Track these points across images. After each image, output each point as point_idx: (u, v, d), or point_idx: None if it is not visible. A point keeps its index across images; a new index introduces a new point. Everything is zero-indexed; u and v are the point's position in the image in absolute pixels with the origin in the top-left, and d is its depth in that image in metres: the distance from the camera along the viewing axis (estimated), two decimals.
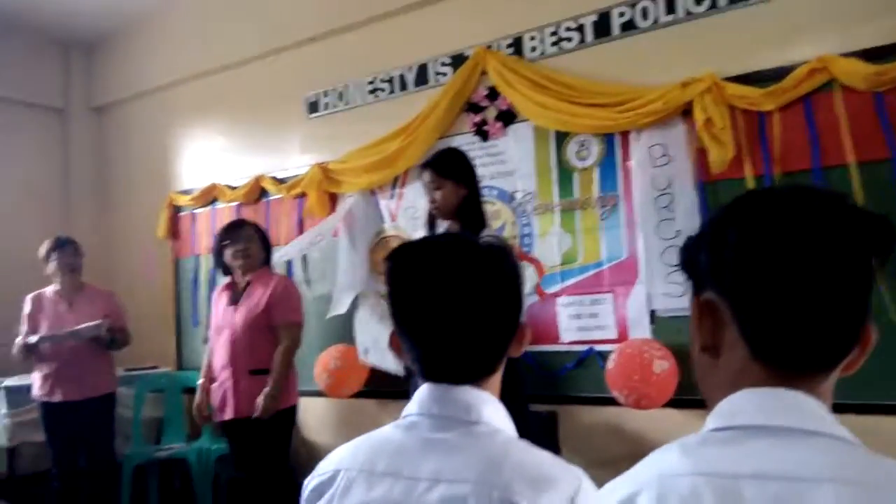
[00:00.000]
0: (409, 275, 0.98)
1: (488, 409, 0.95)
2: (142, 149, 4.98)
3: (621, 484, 0.68)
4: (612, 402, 2.93)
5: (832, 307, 0.66)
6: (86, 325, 3.52)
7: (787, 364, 0.68)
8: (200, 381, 3.35)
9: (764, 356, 0.68)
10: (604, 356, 3.03)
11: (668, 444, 0.70)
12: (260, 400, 3.05)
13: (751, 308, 0.68)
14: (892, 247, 0.67)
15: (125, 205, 5.08)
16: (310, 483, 0.98)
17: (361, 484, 0.91)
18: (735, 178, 2.80)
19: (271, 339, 3.18)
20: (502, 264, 0.99)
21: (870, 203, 2.50)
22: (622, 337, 3.05)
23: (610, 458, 3.05)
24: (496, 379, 1.00)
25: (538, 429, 3.11)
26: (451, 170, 2.61)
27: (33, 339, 3.49)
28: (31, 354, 3.56)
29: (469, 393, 0.95)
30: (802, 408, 0.66)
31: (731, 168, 2.78)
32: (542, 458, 0.89)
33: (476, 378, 0.97)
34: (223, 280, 3.41)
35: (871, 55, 2.54)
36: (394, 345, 1.01)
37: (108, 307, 3.66)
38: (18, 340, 3.53)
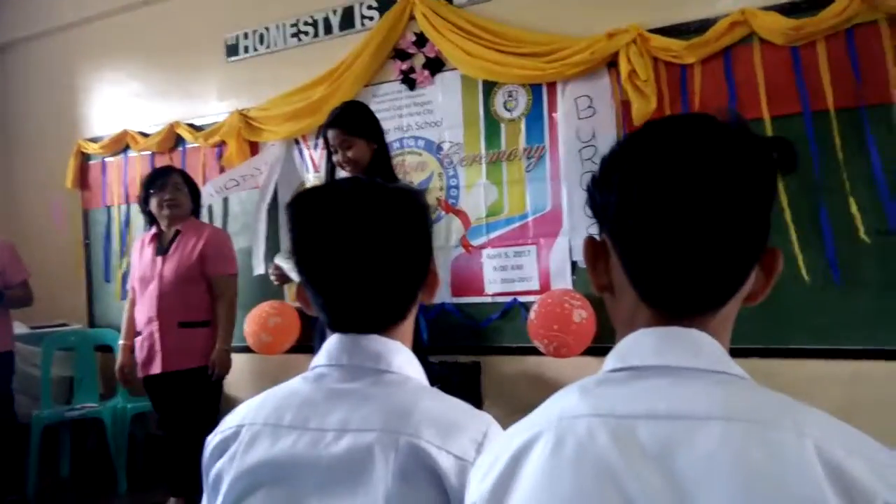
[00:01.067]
0: (311, 219, 0.92)
1: (399, 357, 0.92)
2: (47, 91, 4.65)
3: (523, 427, 0.68)
4: (533, 351, 2.98)
5: (715, 244, 0.63)
6: None
7: (672, 307, 0.67)
8: (121, 342, 3.21)
9: (649, 299, 0.67)
10: (527, 307, 3.06)
11: (569, 386, 0.69)
12: (213, 358, 3.01)
13: (630, 250, 0.67)
14: (790, 161, 0.65)
15: (30, 151, 4.75)
16: (213, 440, 0.94)
17: (266, 438, 0.87)
18: None
19: (203, 290, 3.09)
20: (410, 206, 0.94)
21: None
22: (545, 288, 3.08)
23: (531, 406, 3.04)
24: (407, 326, 0.97)
25: (460, 379, 3.14)
26: (360, 127, 2.53)
27: None
28: None
29: (378, 342, 0.91)
30: (695, 346, 0.65)
31: (652, 120, 2.80)
32: (451, 404, 0.88)
33: (385, 326, 0.93)
34: (149, 230, 3.25)
35: (789, 9, 2.59)
36: (300, 297, 0.97)
37: (1, 262, 3.41)
38: None
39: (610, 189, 0.67)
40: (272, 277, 3.03)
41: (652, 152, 0.65)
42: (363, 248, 0.89)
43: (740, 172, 0.63)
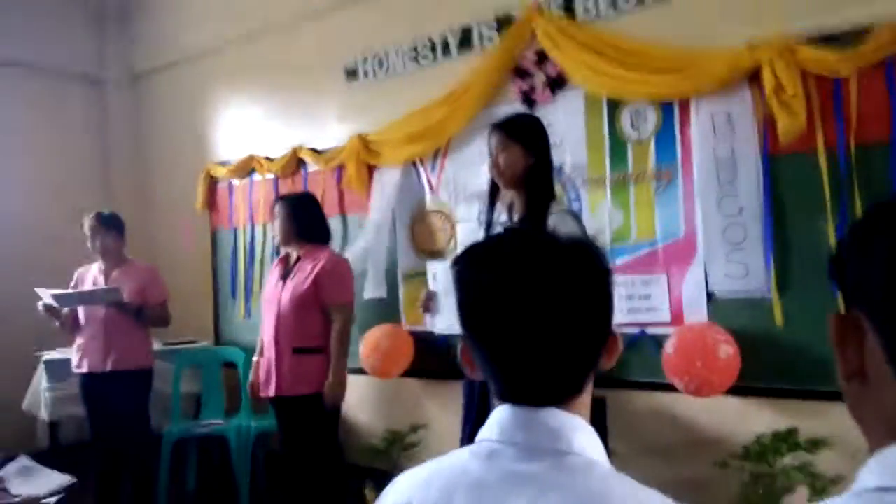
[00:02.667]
0: (482, 280, 0.83)
1: (580, 436, 0.80)
2: (179, 118, 4.91)
3: None
4: (663, 387, 2.78)
5: None
6: (96, 287, 3.48)
7: None
8: (255, 359, 3.28)
9: None
10: (656, 339, 2.86)
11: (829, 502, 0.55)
12: (326, 390, 3.01)
13: None
14: None
15: (163, 176, 5.03)
16: None
17: None
18: (804, 150, 2.58)
19: (319, 318, 3.10)
20: (591, 265, 0.83)
21: None
22: (677, 320, 2.87)
23: (661, 447, 2.91)
24: (586, 398, 0.85)
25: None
26: (520, 133, 2.40)
27: (46, 298, 3.39)
28: (69, 327, 3.54)
29: (558, 417, 0.80)
30: None
31: (800, 139, 2.56)
32: (646, 496, 0.76)
33: (564, 398, 0.82)
34: (281, 254, 3.36)
35: None
36: (464, 359, 0.87)
37: (143, 281, 3.60)
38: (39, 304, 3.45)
39: (871, 260, 0.56)
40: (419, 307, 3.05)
41: None
42: (544, 313, 0.79)
43: None
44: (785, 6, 2.63)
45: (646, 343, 2.94)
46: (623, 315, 3.01)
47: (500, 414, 0.83)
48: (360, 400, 3.82)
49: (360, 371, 3.60)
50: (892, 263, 0.54)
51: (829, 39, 2.52)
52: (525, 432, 0.80)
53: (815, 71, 2.53)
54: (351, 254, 3.69)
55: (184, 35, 4.79)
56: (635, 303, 3.00)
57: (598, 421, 2.98)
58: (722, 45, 2.70)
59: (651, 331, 2.94)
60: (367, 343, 3.55)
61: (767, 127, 2.65)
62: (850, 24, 2.49)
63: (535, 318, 0.79)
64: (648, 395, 2.95)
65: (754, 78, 2.65)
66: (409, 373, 3.59)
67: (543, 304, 0.79)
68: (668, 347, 2.69)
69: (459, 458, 0.83)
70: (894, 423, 0.55)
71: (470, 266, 0.85)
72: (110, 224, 3.62)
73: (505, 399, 0.83)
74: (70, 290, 3.54)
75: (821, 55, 2.49)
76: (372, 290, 3.75)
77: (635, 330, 2.98)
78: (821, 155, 2.55)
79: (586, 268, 0.82)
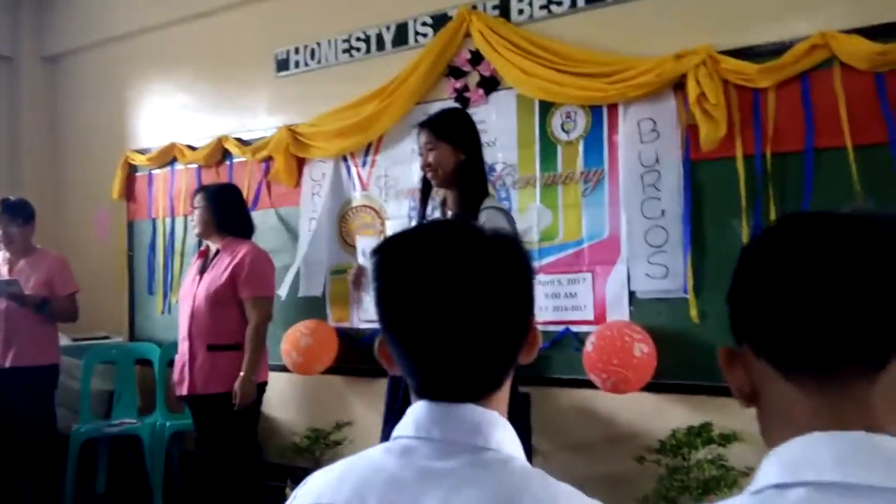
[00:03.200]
0: (401, 272, 0.80)
1: (498, 432, 0.79)
2: (97, 103, 4.67)
3: None
4: (585, 384, 2.85)
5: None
6: None
7: (822, 361, 0.58)
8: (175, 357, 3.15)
9: (793, 358, 0.61)
10: (580, 337, 2.93)
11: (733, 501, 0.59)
12: (236, 387, 2.88)
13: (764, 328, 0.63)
14: None
15: (77, 161, 4.78)
16: None
17: None
18: (724, 157, 2.70)
19: (235, 313, 2.98)
20: (513, 259, 0.82)
21: (867, 188, 2.41)
22: (600, 318, 2.94)
23: (582, 443, 2.97)
24: (504, 394, 0.83)
25: (508, 411, 3.00)
26: (448, 131, 2.37)
27: None
28: None
29: (476, 413, 0.79)
30: (885, 456, 0.54)
31: (720, 146, 2.67)
32: (563, 492, 0.75)
33: (482, 393, 0.81)
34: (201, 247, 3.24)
35: (874, 33, 2.43)
36: (381, 353, 0.85)
37: (50, 273, 3.40)
38: None
39: (746, 299, 0.66)
40: (350, 280, 3.00)
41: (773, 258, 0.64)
42: (464, 306, 0.77)
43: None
44: (711, 20, 2.75)
45: (570, 341, 3.00)
46: (549, 313, 3.07)
47: (417, 410, 0.81)
48: (282, 397, 3.73)
49: (284, 368, 3.52)
50: (763, 302, 0.62)
51: (751, 53, 2.64)
52: (441, 428, 0.78)
53: (736, 81, 2.65)
54: (274, 247, 3.61)
55: (105, 15, 4.56)
56: (561, 301, 3.06)
57: (522, 417, 3.03)
58: (650, 53, 2.79)
59: (575, 329, 3.00)
60: (288, 339, 3.47)
61: (690, 134, 2.76)
62: (770, 40, 2.62)
63: (454, 310, 0.77)
64: (571, 391, 3.01)
65: (679, 86, 2.75)
66: (334, 370, 3.54)
67: (463, 296, 0.77)
68: (588, 345, 2.76)
69: (374, 456, 0.81)
70: (788, 421, 0.60)
71: (390, 255, 0.82)
72: (17, 211, 3.41)
73: (422, 395, 0.81)
74: None
75: (742, 67, 2.62)
76: (307, 287, 3.68)
77: (560, 328, 3.04)
78: (738, 162, 2.67)
79: (508, 261, 0.81)
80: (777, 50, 2.59)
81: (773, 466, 0.58)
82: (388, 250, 0.83)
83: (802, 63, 2.53)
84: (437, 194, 2.45)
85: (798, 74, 2.56)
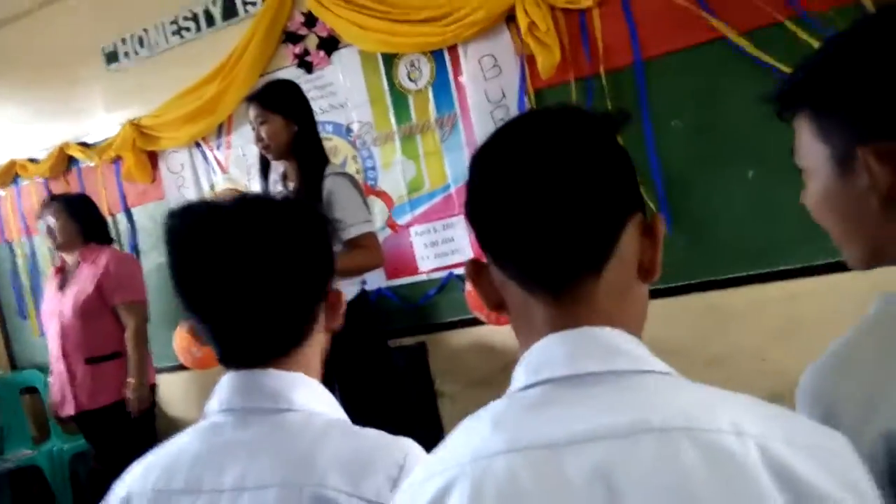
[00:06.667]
0: (188, 240, 0.82)
1: (300, 391, 0.81)
2: None
3: (434, 469, 0.59)
4: (477, 322, 2.93)
5: (570, 204, 0.60)
6: None
7: (548, 273, 0.61)
8: (49, 379, 3.01)
9: (523, 271, 0.63)
10: (464, 279, 3.00)
11: (479, 413, 0.62)
12: (129, 395, 2.81)
13: (493, 234, 0.65)
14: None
15: None
16: None
17: None
18: (564, 81, 2.78)
19: (109, 322, 2.89)
20: (300, 221, 0.84)
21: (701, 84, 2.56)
22: (479, 257, 3.01)
23: (483, 377, 3.07)
24: (310, 353, 0.86)
25: (407, 362, 3.07)
26: (277, 102, 2.33)
27: None
28: None
29: (275, 377, 0.81)
30: (608, 345, 0.59)
31: (559, 72, 2.75)
32: (361, 439, 0.78)
33: (281, 354, 0.83)
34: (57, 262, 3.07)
35: None
36: (190, 330, 0.86)
37: None
38: None
39: (473, 205, 0.66)
40: None
41: (495, 156, 0.64)
42: (248, 269, 0.79)
43: (584, 150, 0.61)
44: None
45: (455, 284, 3.08)
46: (431, 261, 3.13)
47: (221, 382, 0.83)
48: (179, 396, 3.65)
49: (178, 367, 3.43)
50: (484, 217, 0.64)
51: None
52: (243, 397, 0.80)
53: (561, 6, 2.71)
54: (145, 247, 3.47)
55: None
56: (440, 248, 3.12)
57: (421, 365, 3.11)
58: None
59: (458, 272, 3.07)
60: (182, 336, 3.38)
61: (529, 63, 2.82)
62: None
63: (237, 273, 0.79)
64: (466, 331, 3.09)
65: (512, 19, 2.80)
66: None
67: (247, 261, 0.79)
68: (467, 284, 2.83)
69: (182, 439, 0.83)
70: (528, 326, 0.64)
71: (176, 226, 0.84)
72: None
73: (226, 363, 0.83)
74: None
75: None
76: None
77: (444, 273, 3.11)
78: (573, 86, 2.76)
79: (294, 223, 0.83)
80: None
81: (520, 371, 0.62)
82: (176, 222, 0.84)
83: None
84: (278, 168, 2.42)
85: None
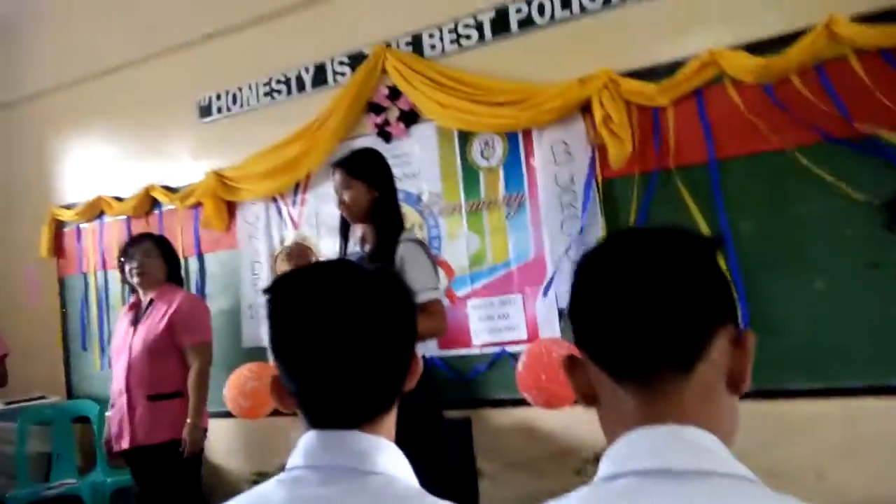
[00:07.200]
0: (289, 307, 0.86)
1: (384, 456, 0.84)
2: (19, 161, 4.60)
3: None
4: (524, 402, 2.89)
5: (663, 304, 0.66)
6: None
7: (637, 366, 0.66)
8: (108, 413, 3.10)
9: (614, 362, 0.68)
10: (516, 357, 2.98)
11: (567, 497, 0.67)
12: (185, 435, 2.88)
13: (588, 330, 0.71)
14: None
15: (2, 221, 4.67)
16: None
17: None
18: (633, 173, 2.82)
19: (175, 361, 2.98)
20: (391, 291, 0.89)
21: (767, 190, 2.57)
22: (533, 337, 3.02)
23: (527, 461, 3.01)
24: (391, 419, 0.90)
25: (453, 436, 3.04)
26: (361, 170, 2.44)
27: None
28: None
29: (361, 439, 0.84)
30: (696, 443, 0.63)
31: (630, 164, 2.80)
32: None
33: (367, 420, 0.86)
34: (130, 299, 3.21)
35: (757, 48, 2.60)
36: (275, 389, 0.89)
37: None
38: None
39: (576, 308, 0.73)
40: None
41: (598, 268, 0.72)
42: (345, 337, 0.83)
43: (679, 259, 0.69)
44: (609, 44, 2.89)
45: (506, 361, 3.07)
46: (484, 335, 3.14)
47: (307, 440, 0.85)
48: (226, 443, 3.69)
49: (226, 414, 3.49)
50: (588, 316, 0.71)
51: (648, 74, 2.79)
52: (329, 455, 0.83)
53: (637, 101, 2.79)
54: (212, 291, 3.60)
55: (23, 74, 4.53)
56: (495, 323, 3.13)
57: (465, 441, 3.08)
58: (556, 79, 2.92)
59: (511, 349, 3.07)
60: (233, 384, 3.45)
61: (600, 153, 2.88)
62: (665, 60, 2.77)
63: (334, 341, 0.83)
64: (512, 411, 3.06)
65: (587, 109, 2.88)
66: (279, 411, 3.52)
67: (342, 328, 0.83)
68: (519, 364, 2.83)
69: (265, 488, 0.85)
70: (619, 420, 0.68)
71: (279, 292, 0.89)
72: None
73: (313, 424, 0.86)
74: None
75: (640, 87, 2.76)
76: (248, 331, 3.69)
77: (496, 349, 3.11)
78: (644, 178, 2.80)
79: (386, 295, 0.88)
80: (672, 69, 2.74)
81: (606, 462, 0.65)
82: (278, 289, 0.89)
83: (695, 80, 2.68)
84: (357, 231, 2.51)
85: (693, 90, 2.71)
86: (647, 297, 0.66)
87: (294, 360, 0.86)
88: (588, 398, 0.73)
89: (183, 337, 2.97)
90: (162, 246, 3.14)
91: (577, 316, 0.72)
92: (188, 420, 2.90)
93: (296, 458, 0.85)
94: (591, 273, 0.72)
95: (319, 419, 0.86)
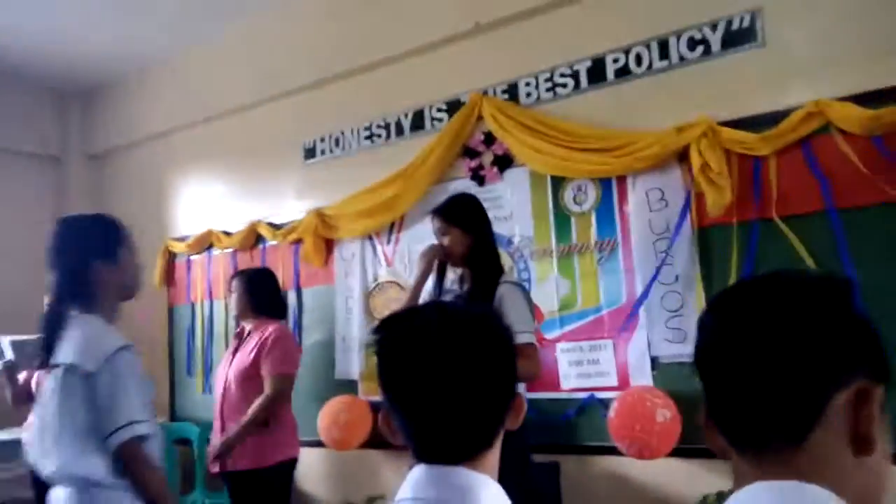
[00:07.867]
0: (399, 347, 0.93)
1: (486, 492, 0.89)
2: (138, 196, 4.98)
3: None
4: (614, 451, 2.86)
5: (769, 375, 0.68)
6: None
7: (747, 437, 0.70)
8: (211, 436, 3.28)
9: (729, 431, 0.72)
10: (605, 403, 2.96)
11: None
12: (212, 448, 3.03)
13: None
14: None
15: None
16: None
17: None
18: (731, 222, 2.77)
19: (262, 390, 3.09)
20: (492, 332, 0.95)
21: (888, 240, 2.48)
22: (623, 384, 2.99)
23: None
24: (494, 455, 0.94)
25: (541, 480, 3.03)
26: (457, 216, 2.53)
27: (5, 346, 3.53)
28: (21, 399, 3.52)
29: (466, 476, 0.89)
30: (811, 496, 0.65)
31: (727, 212, 2.76)
32: None
33: (473, 455, 0.92)
34: (237, 329, 3.42)
35: (865, 99, 2.53)
36: (385, 424, 0.96)
37: None
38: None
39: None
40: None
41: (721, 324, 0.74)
42: (453, 376, 0.89)
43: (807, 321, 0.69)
44: (707, 93, 2.87)
45: (595, 407, 3.04)
46: (573, 380, 3.12)
47: (415, 473, 0.91)
48: (318, 472, 3.81)
49: (318, 444, 3.61)
50: (704, 382, 0.74)
51: (747, 123, 2.75)
52: (436, 489, 0.88)
53: (736, 150, 2.75)
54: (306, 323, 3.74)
55: (145, 115, 4.92)
56: (584, 368, 3.12)
57: (553, 487, 3.06)
58: (652, 126, 2.92)
59: (600, 395, 3.04)
60: (326, 415, 3.57)
61: (697, 200, 2.85)
62: (766, 110, 2.73)
63: (445, 380, 0.89)
64: (600, 458, 3.03)
65: (683, 157, 2.87)
66: (368, 443, 3.61)
67: (453, 368, 0.89)
68: (612, 411, 2.80)
69: None
70: (741, 478, 0.72)
71: (388, 332, 0.95)
72: None
73: (420, 459, 0.92)
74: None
75: (742, 136, 2.72)
76: (342, 363, 3.81)
77: (585, 395, 3.09)
78: (742, 227, 2.74)
79: (488, 336, 0.93)
80: (773, 119, 2.69)
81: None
82: (386, 328, 0.96)
83: (799, 130, 2.62)
84: (456, 271, 2.58)
85: (798, 140, 2.66)
86: (756, 363, 0.68)
87: (401, 398, 0.92)
88: (720, 451, 0.76)
89: (264, 366, 3.08)
90: (247, 282, 3.29)
91: (699, 373, 0.75)
92: (222, 438, 3.00)
93: (404, 491, 0.91)
94: (705, 328, 0.75)
95: (426, 454, 0.92)
